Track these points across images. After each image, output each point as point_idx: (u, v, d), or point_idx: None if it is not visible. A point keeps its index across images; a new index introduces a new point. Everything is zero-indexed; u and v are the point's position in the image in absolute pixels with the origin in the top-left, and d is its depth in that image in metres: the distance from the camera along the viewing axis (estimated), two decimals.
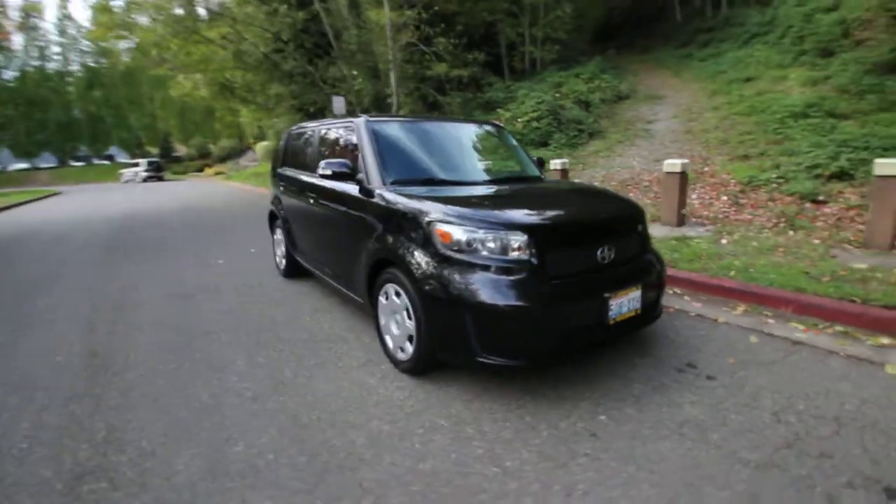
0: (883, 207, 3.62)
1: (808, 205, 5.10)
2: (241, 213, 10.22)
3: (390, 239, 2.47)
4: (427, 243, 2.25)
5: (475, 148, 3.43)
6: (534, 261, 2.11)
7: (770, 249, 4.04)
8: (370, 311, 2.93)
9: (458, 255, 2.15)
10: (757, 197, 5.76)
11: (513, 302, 2.04)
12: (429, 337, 2.27)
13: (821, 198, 5.13)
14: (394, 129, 3.15)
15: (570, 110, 11.41)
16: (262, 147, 26.73)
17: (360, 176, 2.87)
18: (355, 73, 11.37)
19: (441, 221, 2.21)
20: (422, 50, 12.75)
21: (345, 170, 2.85)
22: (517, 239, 2.11)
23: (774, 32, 12.97)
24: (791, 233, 4.49)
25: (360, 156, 2.95)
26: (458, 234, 2.15)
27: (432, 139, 3.27)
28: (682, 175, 4.94)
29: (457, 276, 2.12)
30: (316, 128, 3.77)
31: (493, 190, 2.86)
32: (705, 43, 16.82)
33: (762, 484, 1.65)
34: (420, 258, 2.26)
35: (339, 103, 10.68)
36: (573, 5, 15.74)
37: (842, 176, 5.57)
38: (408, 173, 2.88)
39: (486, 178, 3.15)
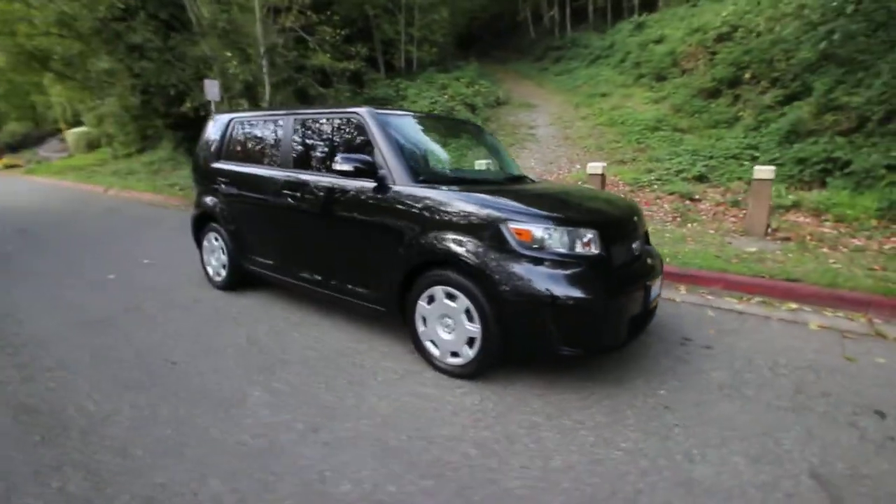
0: (758, 203, 4.76)
1: (688, 202, 6.33)
2: (88, 217, 8.32)
3: (441, 239, 2.38)
4: (498, 242, 2.24)
5: (471, 147, 3.46)
6: (602, 254, 2.28)
7: (681, 239, 4.94)
8: (392, 318, 2.77)
9: (534, 253, 2.20)
10: (644, 196, 6.91)
11: (590, 294, 2.17)
12: (502, 336, 2.28)
13: (696, 196, 6.42)
14: (401, 122, 3.01)
15: (459, 112, 11.95)
16: (75, 134, 21.81)
17: (383, 172, 2.67)
18: (229, 54, 10.06)
19: (517, 220, 2.23)
20: (301, 37, 11.93)
21: (365, 166, 2.63)
22: (588, 234, 2.26)
23: (615, 56, 15.48)
24: (690, 225, 5.53)
25: (375, 151, 2.74)
26: (538, 232, 2.20)
27: (436, 135, 3.20)
28: (603, 176, 5.68)
29: (535, 273, 2.17)
30: (285, 117, 3.33)
31: (522, 188, 2.92)
32: (557, 59, 19.18)
33: (805, 422, 2.10)
34: (490, 257, 2.24)
35: (212, 88, 9.38)
36: (448, 9, 16.45)
37: (702, 179, 7.04)
38: (431, 171, 2.80)
39: (498, 177, 3.22)
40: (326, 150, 3.11)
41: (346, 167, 2.60)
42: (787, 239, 4.62)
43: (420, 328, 2.58)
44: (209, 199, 3.90)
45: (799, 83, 7.97)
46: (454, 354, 2.47)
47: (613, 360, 2.67)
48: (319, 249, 3.10)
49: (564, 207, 2.47)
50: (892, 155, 4.93)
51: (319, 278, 3.10)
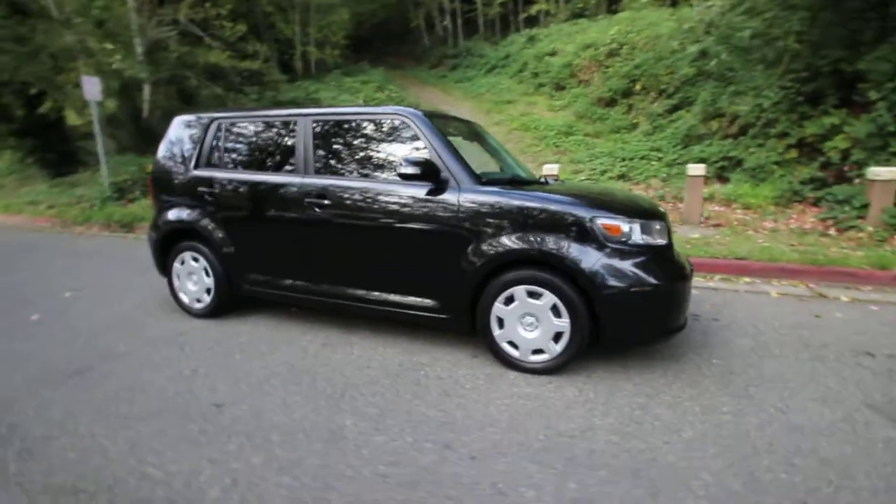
0: (693, 196, 5.60)
1: None
2: None
3: (528, 240, 2.43)
4: (587, 238, 2.37)
5: (486, 148, 3.54)
6: (668, 242, 2.55)
7: None
8: (454, 325, 2.73)
9: (620, 246, 2.37)
10: None
11: (666, 279, 2.42)
12: (590, 328, 2.41)
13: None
14: (442, 123, 2.97)
15: None
16: None
17: (445, 175, 2.63)
18: (110, 46, 8.60)
19: (606, 217, 2.38)
20: (188, 31, 10.74)
21: (430, 169, 2.56)
22: (657, 225, 2.50)
23: (511, 66, 16.63)
24: None
25: (430, 154, 2.68)
26: (625, 226, 2.37)
27: (462, 138, 3.22)
28: (556, 176, 6.15)
29: (625, 264, 2.35)
30: (300, 118, 3.05)
31: (573, 188, 3.08)
32: (454, 67, 19.95)
33: (830, 367, 2.59)
34: (582, 253, 2.36)
35: (92, 86, 8.02)
36: (349, 11, 16.12)
37: (623, 177, 7.98)
38: (486, 173, 2.84)
39: (532, 177, 3.35)
40: (362, 154, 2.94)
41: (412, 171, 2.50)
42: (719, 225, 5.53)
43: (496, 331, 2.59)
44: (186, 213, 3.38)
45: (682, 94, 9.48)
46: (536, 352, 2.53)
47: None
48: (360, 261, 2.91)
49: (632, 203, 2.70)
50: (777, 153, 6.19)
51: (360, 293, 2.91)
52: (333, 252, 2.97)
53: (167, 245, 3.53)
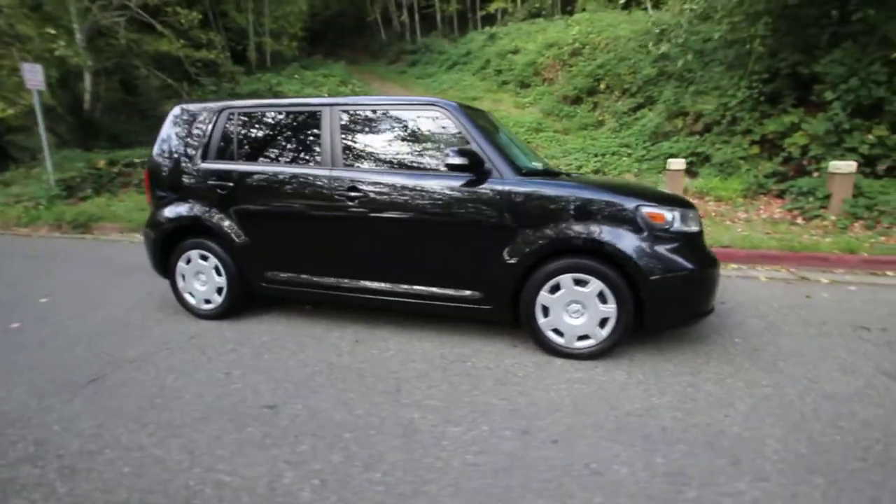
0: (673, 189, 5.93)
1: None
2: None
3: (577, 229, 2.49)
4: (633, 226, 2.46)
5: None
6: (700, 229, 2.70)
7: None
8: (496, 315, 2.76)
9: (663, 234, 2.49)
10: None
11: (701, 264, 2.56)
12: (636, 313, 2.51)
13: None
14: (474, 114, 2.98)
15: None
16: None
17: (488, 167, 2.63)
18: (52, 31, 7.83)
19: (650, 206, 2.48)
20: (138, 17, 10.00)
21: (475, 160, 2.56)
22: (691, 213, 2.64)
23: (473, 63, 16.80)
24: None
25: (472, 146, 2.68)
26: (668, 214, 2.49)
27: (491, 127, 3.22)
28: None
29: (669, 251, 2.47)
30: (326, 108, 2.95)
31: (603, 180, 3.19)
32: (413, 63, 19.87)
33: (836, 342, 2.85)
34: (629, 240, 2.45)
35: (33, 74, 7.30)
36: (307, 2, 15.62)
37: (597, 172, 8.29)
38: (524, 165, 2.88)
39: (549, 167, 3.42)
40: (398, 145, 2.89)
41: (460, 161, 2.49)
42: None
43: (540, 320, 2.64)
44: (194, 209, 3.17)
45: (645, 93, 9.98)
46: (582, 338, 2.60)
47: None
48: (398, 255, 2.85)
49: (665, 193, 2.84)
50: (742, 149, 6.68)
51: (399, 287, 2.86)
52: (368, 246, 2.89)
53: (169, 243, 3.29)
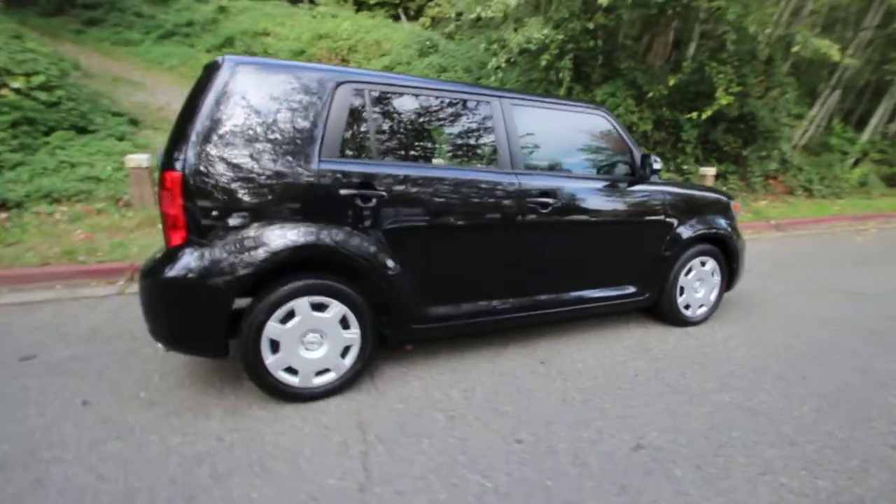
0: None
1: None
2: None
3: (707, 221, 3.15)
4: (728, 216, 3.31)
5: None
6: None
7: None
8: (648, 303, 3.14)
9: (734, 218, 3.45)
10: None
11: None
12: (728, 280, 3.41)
13: None
14: None
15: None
16: None
17: (642, 172, 2.92)
18: None
19: (733, 200, 3.37)
20: None
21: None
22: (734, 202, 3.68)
23: (205, 38, 14.25)
24: None
25: (630, 151, 2.91)
26: (739, 204, 3.44)
27: None
28: None
29: (739, 232, 3.46)
30: (494, 99, 2.51)
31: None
32: (91, 21, 15.15)
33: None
34: (728, 226, 3.29)
35: None
36: None
37: None
38: None
39: None
40: (569, 147, 2.78)
41: (658, 166, 2.73)
42: None
43: (679, 298, 3.19)
44: (322, 232, 2.11)
45: None
46: (700, 306, 3.31)
47: None
48: (575, 261, 2.81)
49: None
50: None
51: (567, 296, 2.81)
52: (547, 257, 2.69)
53: (246, 294, 2.07)
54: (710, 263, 3.29)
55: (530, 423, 2.12)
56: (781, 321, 3.46)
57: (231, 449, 1.90)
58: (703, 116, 6.98)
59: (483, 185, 2.47)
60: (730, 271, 3.41)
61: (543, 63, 7.41)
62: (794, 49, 6.89)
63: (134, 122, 8.26)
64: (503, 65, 7.65)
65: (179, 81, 11.81)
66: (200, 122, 1.98)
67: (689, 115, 7.47)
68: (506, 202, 2.50)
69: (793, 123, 8.87)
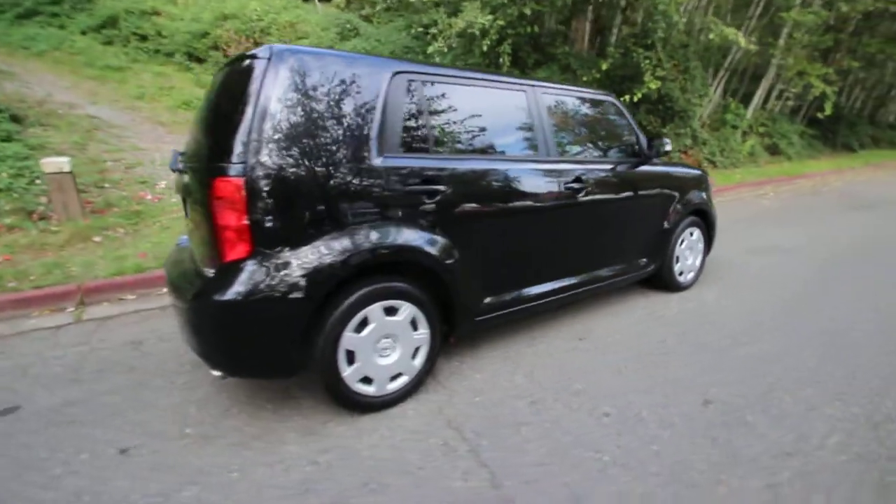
0: None
1: None
2: None
3: (694, 196, 3.48)
4: (703, 188, 3.68)
5: None
6: None
7: None
8: (655, 272, 3.43)
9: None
10: None
11: None
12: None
13: None
14: None
15: None
16: None
17: (647, 154, 3.15)
18: None
19: (706, 174, 3.75)
20: None
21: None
22: None
23: (79, 19, 12.36)
24: None
25: (636, 136, 3.12)
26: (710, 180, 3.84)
27: None
28: None
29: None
30: (528, 88, 2.59)
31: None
32: None
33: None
34: (709, 200, 3.67)
35: None
36: None
37: None
38: None
39: None
40: (592, 134, 2.92)
41: (669, 148, 2.96)
42: None
43: (676, 265, 3.52)
44: (400, 232, 2.02)
45: None
46: (690, 272, 3.68)
47: None
48: (603, 242, 3.00)
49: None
50: None
51: (601, 273, 3.00)
52: (580, 241, 2.83)
53: (323, 305, 1.93)
54: (697, 233, 3.67)
55: (605, 397, 2.24)
56: (751, 280, 3.96)
57: (330, 471, 1.78)
58: (636, 99, 7.58)
59: (533, 174, 2.52)
60: (709, 238, 3.82)
61: (484, 48, 7.53)
62: (711, 36, 7.72)
63: (16, 119, 6.99)
64: (445, 50, 7.64)
65: (55, 69, 10.17)
66: (254, 121, 1.78)
67: (622, 98, 8.08)
68: (552, 189, 2.58)
69: (700, 103, 9.98)
